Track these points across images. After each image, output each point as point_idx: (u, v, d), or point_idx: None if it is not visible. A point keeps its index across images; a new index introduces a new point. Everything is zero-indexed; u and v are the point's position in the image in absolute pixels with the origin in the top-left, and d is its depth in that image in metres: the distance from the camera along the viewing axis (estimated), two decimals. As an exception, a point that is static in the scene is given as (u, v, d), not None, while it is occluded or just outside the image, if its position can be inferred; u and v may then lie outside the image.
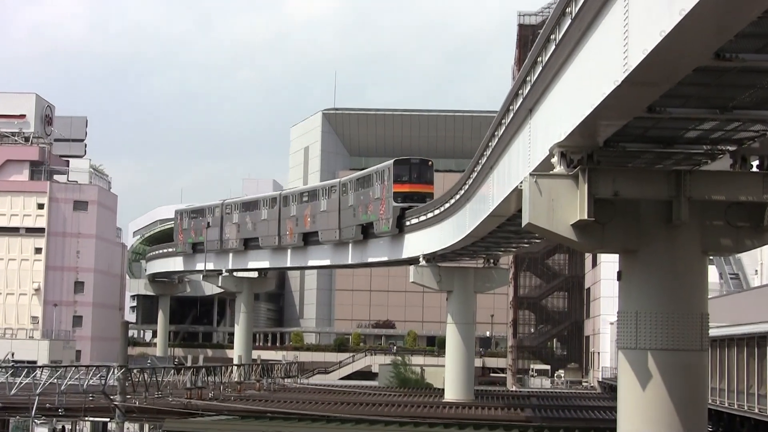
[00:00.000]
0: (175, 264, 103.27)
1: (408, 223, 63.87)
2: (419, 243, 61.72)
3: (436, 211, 56.53)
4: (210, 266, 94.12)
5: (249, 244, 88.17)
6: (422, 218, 60.85)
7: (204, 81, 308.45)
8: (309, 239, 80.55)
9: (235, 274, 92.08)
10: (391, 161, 66.58)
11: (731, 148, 24.80)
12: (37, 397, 45.33)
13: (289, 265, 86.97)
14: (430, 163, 67.15)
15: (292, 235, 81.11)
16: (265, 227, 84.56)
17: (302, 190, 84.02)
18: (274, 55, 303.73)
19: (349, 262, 76.55)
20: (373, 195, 67.62)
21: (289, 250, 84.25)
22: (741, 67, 18.25)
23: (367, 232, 70.49)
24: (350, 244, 74.37)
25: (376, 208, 66.98)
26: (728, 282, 59.22)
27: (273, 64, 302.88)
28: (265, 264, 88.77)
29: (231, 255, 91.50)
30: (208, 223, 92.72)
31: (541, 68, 24.84)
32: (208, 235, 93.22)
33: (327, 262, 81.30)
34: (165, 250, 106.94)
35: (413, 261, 63.21)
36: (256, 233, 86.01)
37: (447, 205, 53.16)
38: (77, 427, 52.75)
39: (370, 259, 73.20)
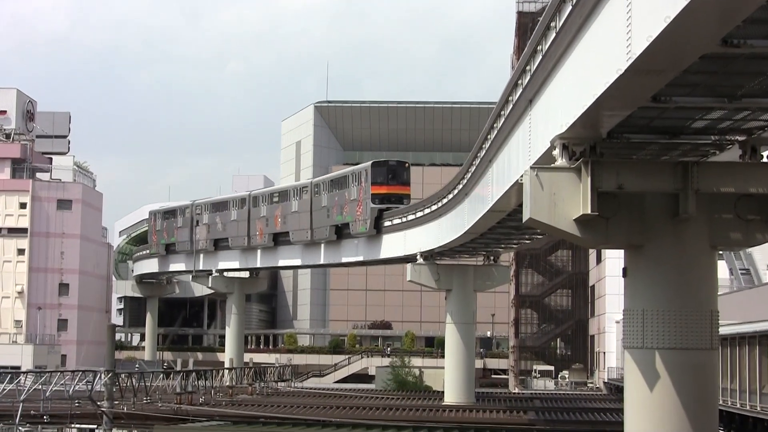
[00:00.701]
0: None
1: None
2: (415, 240, 61.14)
3: (434, 207, 55.96)
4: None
5: (219, 244, 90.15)
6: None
7: (191, 74, 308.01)
8: (279, 239, 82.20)
9: (225, 274, 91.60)
10: (369, 163, 68.62)
11: (740, 138, 24.33)
12: (21, 404, 44.64)
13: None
14: (406, 164, 69.35)
15: (262, 236, 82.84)
16: (235, 228, 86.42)
17: (272, 190, 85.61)
18: (264, 46, 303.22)
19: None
20: (349, 196, 69.46)
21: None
22: (749, 54, 17.77)
23: (341, 232, 72.48)
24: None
25: (353, 209, 68.88)
26: (738, 278, 58.60)
27: (263, 56, 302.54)
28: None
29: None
30: (179, 223, 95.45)
31: (541, 57, 24.39)
32: (178, 235, 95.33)
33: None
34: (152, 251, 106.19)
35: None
36: (226, 234, 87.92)
37: (445, 201, 52.57)
38: (63, 435, 52.02)
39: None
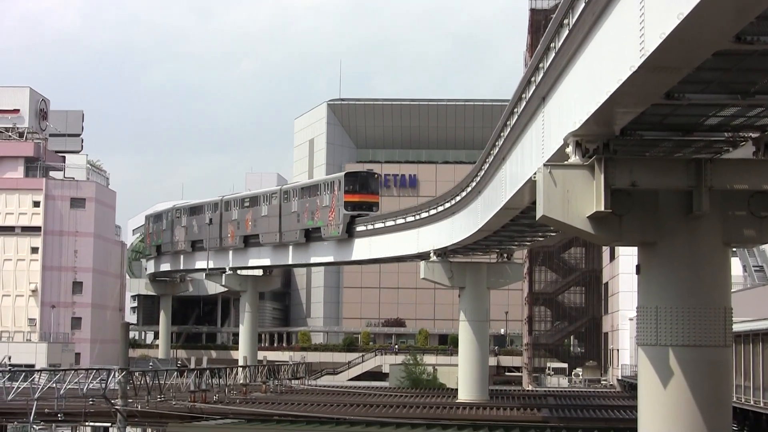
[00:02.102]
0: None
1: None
2: (429, 238, 61.15)
3: (447, 205, 55.91)
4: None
5: (196, 245, 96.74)
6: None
7: (204, 73, 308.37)
8: (249, 241, 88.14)
9: (239, 272, 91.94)
10: (342, 173, 76.61)
11: (754, 135, 24.17)
12: (35, 402, 44.47)
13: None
14: (376, 175, 77.73)
15: (234, 237, 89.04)
16: (209, 230, 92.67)
17: (243, 196, 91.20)
18: (276, 44, 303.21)
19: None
20: (321, 203, 76.19)
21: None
22: (762, 51, 17.62)
23: (309, 235, 79.13)
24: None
25: (324, 215, 75.59)
26: (752, 275, 58.30)
27: (275, 54, 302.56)
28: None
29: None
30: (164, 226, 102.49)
31: (554, 54, 24.28)
32: (164, 237, 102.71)
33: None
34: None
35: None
36: (201, 236, 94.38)
37: (458, 198, 52.51)
38: (77, 433, 52.13)
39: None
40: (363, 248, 72.77)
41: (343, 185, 73.67)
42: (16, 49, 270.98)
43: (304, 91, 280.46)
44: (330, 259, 78.92)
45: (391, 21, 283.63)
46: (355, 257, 74.82)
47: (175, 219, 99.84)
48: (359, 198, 73.44)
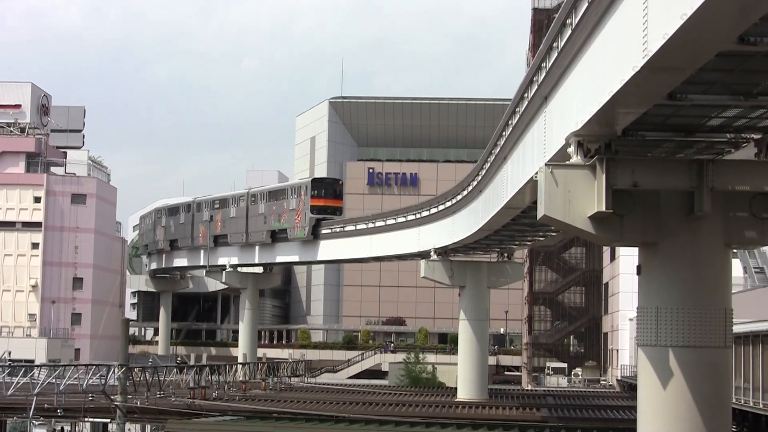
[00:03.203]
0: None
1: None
2: (429, 237, 61.19)
3: (448, 204, 55.89)
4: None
5: (173, 245, 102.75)
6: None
7: (206, 70, 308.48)
8: (219, 241, 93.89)
9: (239, 269, 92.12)
10: (309, 179, 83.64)
11: (756, 137, 24.09)
12: (35, 398, 44.62)
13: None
14: (340, 182, 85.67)
15: (205, 237, 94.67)
16: (182, 230, 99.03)
17: (214, 198, 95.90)
18: (279, 42, 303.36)
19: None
20: (288, 206, 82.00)
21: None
22: (766, 52, 17.58)
23: (275, 236, 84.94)
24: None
25: (291, 218, 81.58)
26: (753, 276, 58.28)
27: (277, 52, 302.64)
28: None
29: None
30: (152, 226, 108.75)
31: (556, 54, 24.25)
32: (147, 237, 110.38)
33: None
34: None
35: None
36: (177, 235, 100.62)
37: (459, 197, 52.47)
38: (77, 428, 52.24)
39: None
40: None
41: (310, 190, 79.77)
42: (20, 45, 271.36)
43: (306, 89, 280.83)
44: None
45: (393, 19, 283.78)
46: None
47: (156, 219, 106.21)
48: (324, 203, 79.65)
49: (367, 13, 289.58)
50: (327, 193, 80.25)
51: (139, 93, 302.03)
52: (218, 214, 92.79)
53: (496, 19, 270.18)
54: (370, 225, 72.54)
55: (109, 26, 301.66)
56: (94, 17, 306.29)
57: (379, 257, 75.45)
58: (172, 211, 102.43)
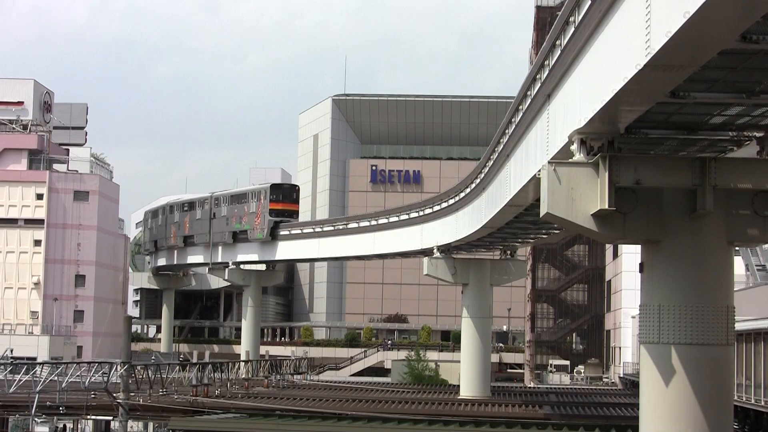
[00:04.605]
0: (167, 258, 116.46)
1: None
2: (432, 234, 61.23)
3: (451, 201, 55.90)
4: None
5: (157, 245, 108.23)
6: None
7: (210, 67, 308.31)
8: (188, 241, 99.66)
9: (242, 266, 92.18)
10: (268, 185, 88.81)
11: (758, 135, 24.18)
12: (37, 395, 44.57)
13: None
14: (297, 187, 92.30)
15: (175, 237, 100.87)
16: (160, 231, 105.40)
17: (184, 201, 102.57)
18: (283, 39, 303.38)
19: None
20: (249, 209, 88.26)
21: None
22: (768, 50, 17.58)
23: (237, 237, 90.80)
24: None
25: (251, 220, 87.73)
26: (755, 274, 58.38)
27: (281, 49, 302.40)
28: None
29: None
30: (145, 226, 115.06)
31: (559, 52, 24.30)
32: (142, 237, 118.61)
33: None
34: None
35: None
36: (157, 236, 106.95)
37: (462, 195, 52.47)
38: (79, 426, 52.22)
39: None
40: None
41: (269, 195, 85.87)
42: (23, 42, 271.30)
43: (310, 86, 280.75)
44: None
45: (396, 17, 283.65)
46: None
47: (144, 221, 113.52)
48: (282, 206, 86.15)
49: (371, 10, 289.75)
50: (285, 198, 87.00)
51: (143, 90, 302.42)
52: (186, 216, 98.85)
53: (500, 17, 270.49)
54: (373, 222, 72.56)
55: (113, 23, 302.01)
56: (98, 14, 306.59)
57: (382, 255, 75.45)
58: (155, 213, 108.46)
